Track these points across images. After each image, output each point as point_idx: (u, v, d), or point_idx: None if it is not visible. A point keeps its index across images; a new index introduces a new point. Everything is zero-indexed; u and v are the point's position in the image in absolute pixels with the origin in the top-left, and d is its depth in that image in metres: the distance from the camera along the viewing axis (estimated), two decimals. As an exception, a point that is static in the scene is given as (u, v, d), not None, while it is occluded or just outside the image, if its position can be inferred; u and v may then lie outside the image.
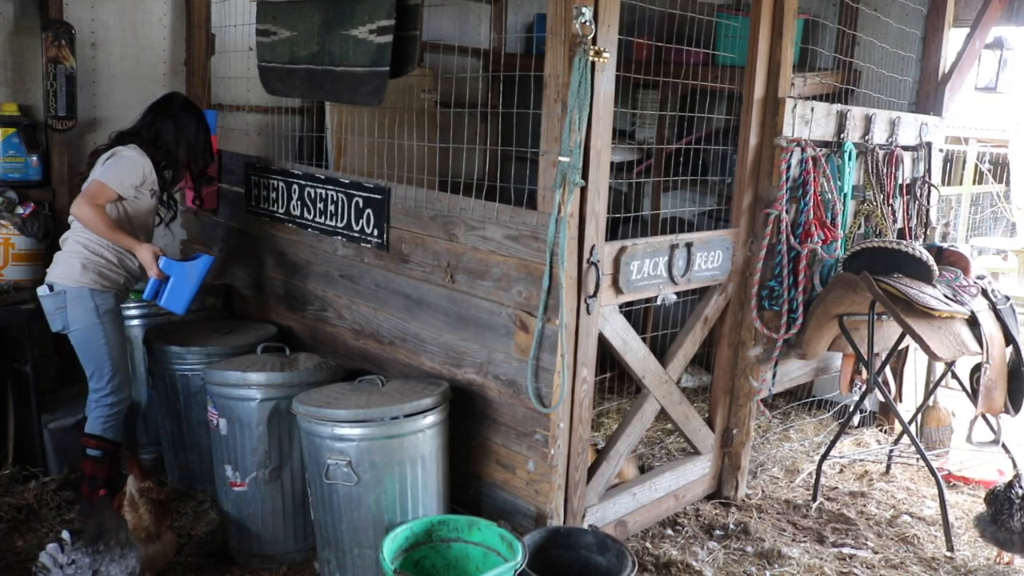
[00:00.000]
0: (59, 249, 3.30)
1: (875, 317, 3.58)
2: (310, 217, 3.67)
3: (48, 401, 3.77)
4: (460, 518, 2.82)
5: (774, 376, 3.73)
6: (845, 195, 3.78)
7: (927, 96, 4.56)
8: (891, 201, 4.08)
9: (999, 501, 3.24)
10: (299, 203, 3.70)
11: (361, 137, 4.15)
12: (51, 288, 3.21)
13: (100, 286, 3.21)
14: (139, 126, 3.42)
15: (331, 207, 3.55)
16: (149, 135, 3.37)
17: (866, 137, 3.93)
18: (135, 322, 3.82)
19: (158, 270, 3.22)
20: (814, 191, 3.55)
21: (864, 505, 3.85)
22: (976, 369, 3.75)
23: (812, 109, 3.59)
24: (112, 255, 3.25)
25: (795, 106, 3.49)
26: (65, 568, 2.42)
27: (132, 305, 3.84)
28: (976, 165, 7.76)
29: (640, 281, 3.10)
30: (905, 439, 4.22)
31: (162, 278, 3.24)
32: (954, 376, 4.03)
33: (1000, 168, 8.03)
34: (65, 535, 2.71)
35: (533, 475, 2.96)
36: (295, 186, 3.72)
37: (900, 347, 3.95)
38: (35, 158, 3.92)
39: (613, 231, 3.36)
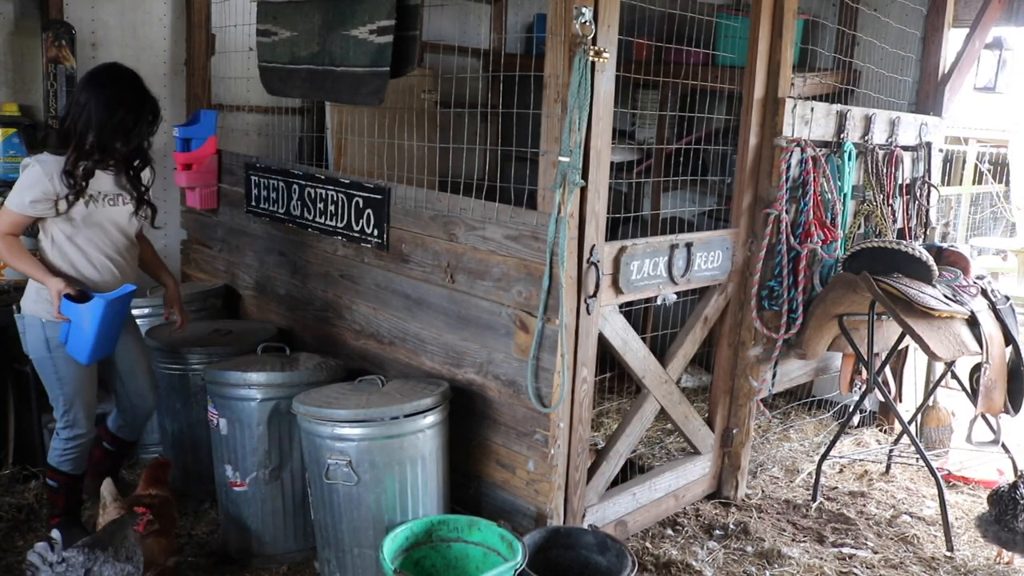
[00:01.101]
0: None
1: (875, 317, 3.58)
2: (310, 217, 3.67)
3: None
4: (460, 518, 2.82)
5: (774, 376, 3.73)
6: (845, 195, 3.78)
7: (927, 96, 4.56)
8: (891, 201, 4.08)
9: (1003, 501, 3.24)
10: (299, 203, 3.70)
11: (361, 137, 4.15)
12: (19, 309, 3.01)
13: (55, 319, 2.86)
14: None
15: (331, 207, 3.55)
16: (61, 125, 2.92)
17: (866, 137, 3.94)
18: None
19: (57, 311, 2.80)
20: (814, 191, 3.55)
21: (864, 505, 3.85)
22: (976, 369, 3.75)
23: (812, 109, 3.59)
24: (58, 267, 2.90)
25: (795, 106, 3.49)
26: (55, 566, 2.43)
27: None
28: (976, 165, 7.76)
29: (640, 281, 3.10)
30: (905, 439, 4.22)
31: (63, 320, 2.83)
32: (954, 376, 4.03)
33: (1000, 168, 8.03)
34: (55, 534, 2.72)
35: (533, 475, 2.96)
36: (295, 186, 3.72)
37: (900, 347, 3.95)
38: (35, 158, 3.92)
39: (613, 231, 3.36)
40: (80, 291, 2.85)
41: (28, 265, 2.85)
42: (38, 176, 2.81)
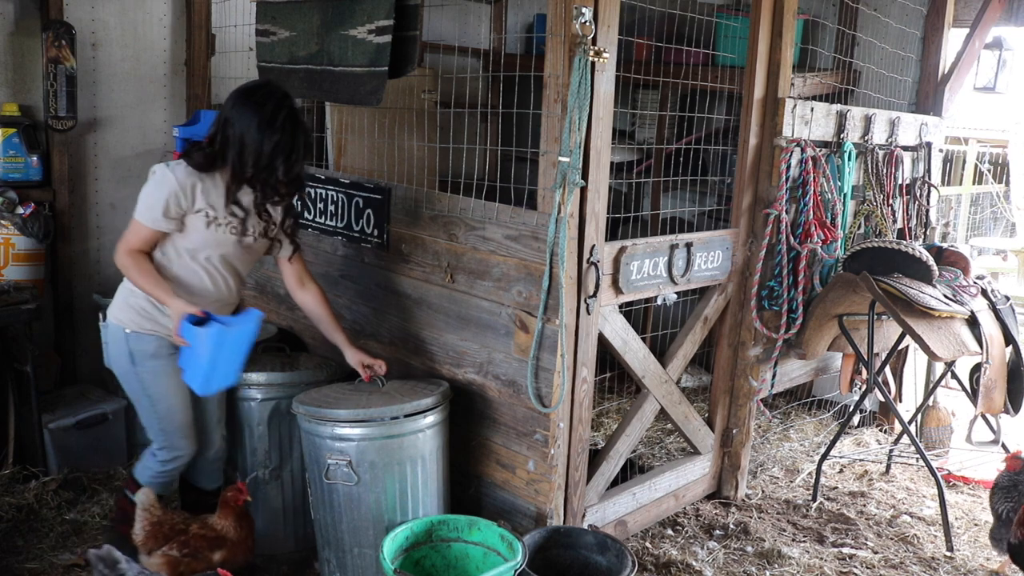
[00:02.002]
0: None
1: (875, 317, 3.58)
2: (310, 217, 3.67)
3: (49, 401, 3.77)
4: (460, 518, 2.82)
5: (774, 376, 3.73)
6: (845, 195, 3.78)
7: (927, 96, 4.56)
8: (891, 201, 4.08)
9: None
10: (299, 203, 3.69)
11: (361, 137, 4.15)
12: (104, 317, 2.83)
13: (141, 329, 2.70)
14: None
15: (331, 207, 3.55)
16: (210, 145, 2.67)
17: (866, 137, 3.94)
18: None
19: (177, 333, 2.59)
20: (814, 191, 3.55)
21: (864, 505, 3.85)
22: (976, 369, 3.76)
23: (812, 109, 3.59)
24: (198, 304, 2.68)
25: (795, 106, 3.49)
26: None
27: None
28: (976, 165, 7.76)
29: (640, 281, 3.10)
30: (905, 439, 4.22)
31: (182, 343, 2.61)
32: (954, 376, 4.03)
33: (1000, 168, 8.03)
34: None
35: (533, 475, 2.96)
36: (295, 186, 3.71)
37: (900, 347, 3.95)
38: (35, 158, 3.92)
39: (613, 231, 3.36)
40: (206, 314, 2.61)
41: (153, 285, 2.61)
42: (161, 185, 2.61)
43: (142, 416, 2.83)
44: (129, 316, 2.71)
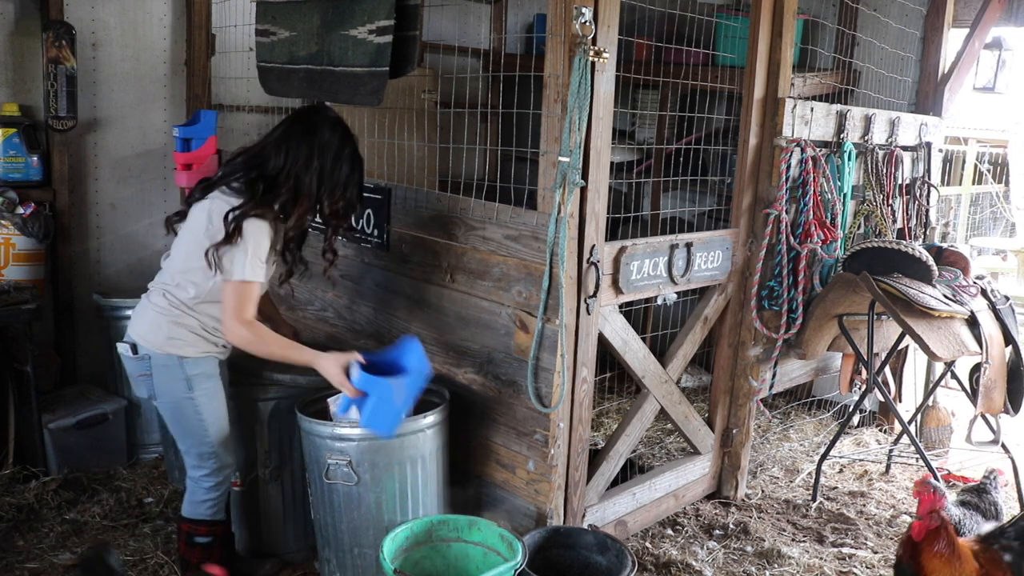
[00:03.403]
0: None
1: (875, 317, 3.58)
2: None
3: (49, 401, 3.77)
4: (460, 518, 2.81)
5: (774, 376, 3.73)
6: (845, 195, 3.79)
7: (926, 96, 4.56)
8: (891, 201, 4.09)
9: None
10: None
11: (361, 137, 4.14)
12: (134, 349, 2.63)
13: (196, 353, 2.61)
14: (262, 145, 2.63)
15: (331, 207, 3.55)
16: (271, 159, 2.58)
17: (866, 137, 3.94)
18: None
19: (352, 387, 2.51)
20: (814, 191, 3.55)
21: (864, 505, 3.86)
22: (975, 369, 3.75)
23: (812, 109, 3.59)
24: (215, 303, 2.60)
25: (795, 106, 3.49)
26: None
27: (130, 303, 3.83)
28: (975, 165, 7.76)
29: (640, 281, 3.10)
30: (905, 439, 4.22)
31: (358, 396, 2.54)
32: (954, 376, 4.03)
33: (1000, 168, 8.04)
34: None
35: (533, 475, 2.97)
36: (295, 186, 3.71)
37: (900, 347, 3.95)
38: (36, 158, 3.92)
39: (613, 231, 3.36)
40: (371, 362, 2.57)
41: (289, 347, 2.57)
42: (269, 237, 2.53)
43: (189, 442, 2.69)
44: (182, 342, 2.60)
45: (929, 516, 2.57)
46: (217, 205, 2.55)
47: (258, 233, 2.52)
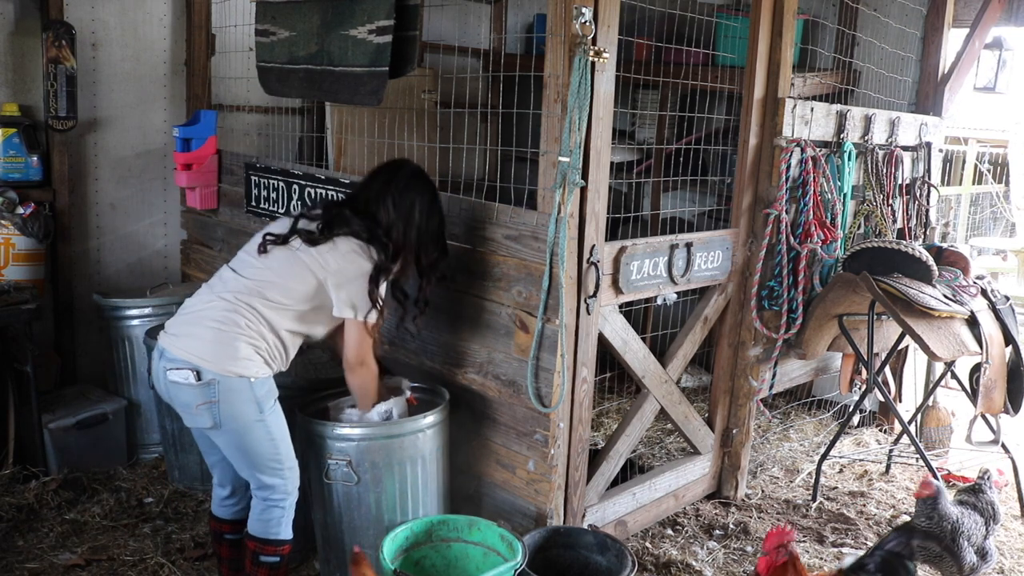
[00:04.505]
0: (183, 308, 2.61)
1: (875, 317, 3.58)
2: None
3: (49, 401, 3.77)
4: (460, 518, 2.82)
5: (774, 376, 3.73)
6: (845, 195, 3.78)
7: (927, 96, 4.56)
8: (891, 201, 4.09)
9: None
10: (299, 203, 3.70)
11: (361, 137, 4.15)
12: (198, 375, 2.42)
13: (263, 374, 2.52)
14: (363, 198, 2.67)
15: (331, 207, 3.55)
16: (373, 211, 2.64)
17: (866, 137, 3.94)
18: (135, 322, 3.82)
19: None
20: (814, 191, 3.55)
21: (864, 505, 3.86)
22: (976, 369, 3.75)
23: (812, 109, 3.59)
24: (296, 332, 2.60)
25: (795, 106, 3.49)
26: None
27: (129, 303, 3.85)
28: (976, 165, 7.77)
29: (640, 281, 3.10)
30: (905, 439, 4.22)
31: None
32: (954, 376, 4.03)
33: (1000, 168, 8.04)
34: None
35: (533, 475, 2.96)
36: (295, 186, 3.72)
37: (900, 347, 3.95)
38: (36, 158, 3.92)
39: (613, 231, 3.36)
40: None
41: (370, 399, 2.74)
42: (368, 258, 2.58)
43: (259, 464, 2.56)
44: (253, 362, 2.49)
45: (776, 551, 2.41)
46: (350, 248, 2.58)
47: (364, 267, 2.60)
